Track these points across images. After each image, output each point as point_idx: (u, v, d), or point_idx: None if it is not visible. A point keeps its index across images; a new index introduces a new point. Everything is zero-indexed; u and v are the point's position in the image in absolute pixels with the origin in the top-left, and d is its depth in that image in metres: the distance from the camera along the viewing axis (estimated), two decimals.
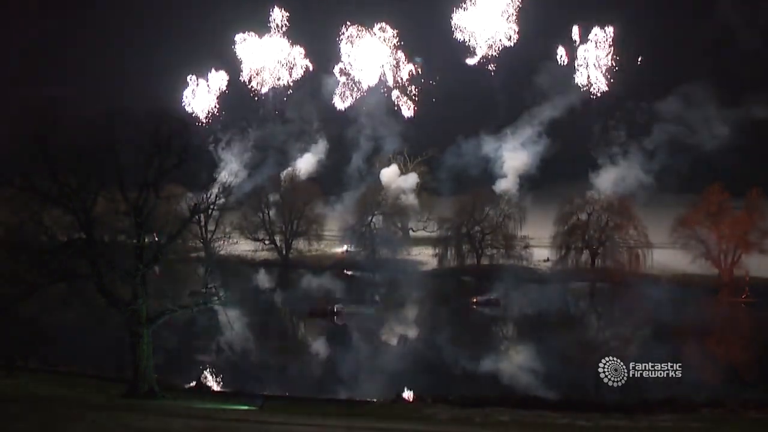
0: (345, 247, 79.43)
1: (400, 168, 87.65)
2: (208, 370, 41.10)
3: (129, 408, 26.86)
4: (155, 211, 30.31)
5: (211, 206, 32.26)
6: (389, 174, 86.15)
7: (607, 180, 73.27)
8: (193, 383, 37.55)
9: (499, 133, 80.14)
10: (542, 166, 78.07)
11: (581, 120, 78.76)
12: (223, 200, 34.02)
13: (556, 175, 79.50)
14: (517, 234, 73.02)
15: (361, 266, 74.03)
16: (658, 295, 54.48)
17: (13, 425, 21.36)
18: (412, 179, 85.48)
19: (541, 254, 72.66)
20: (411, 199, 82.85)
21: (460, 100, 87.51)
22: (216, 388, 37.65)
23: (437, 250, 74.32)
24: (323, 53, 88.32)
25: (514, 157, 79.17)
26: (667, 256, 66.76)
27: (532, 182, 79.19)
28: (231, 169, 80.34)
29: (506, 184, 78.66)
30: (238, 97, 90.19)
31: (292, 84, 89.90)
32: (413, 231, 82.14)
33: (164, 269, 32.33)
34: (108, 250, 29.20)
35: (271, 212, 77.98)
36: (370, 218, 77.09)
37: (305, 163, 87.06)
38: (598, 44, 79.60)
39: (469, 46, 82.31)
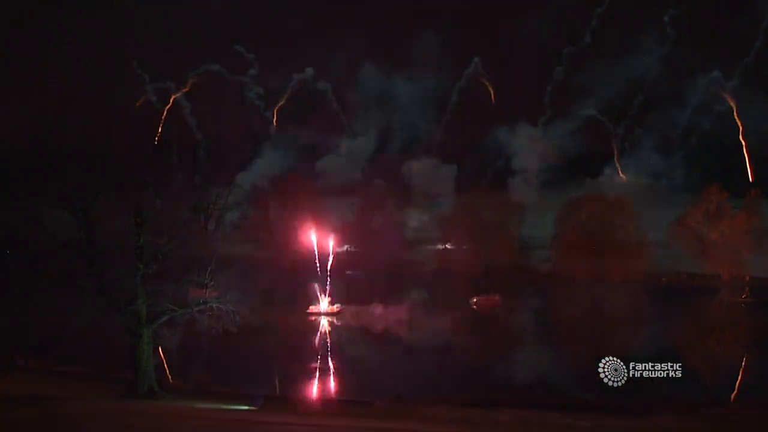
0: (346, 247, 79.19)
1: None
2: (207, 370, 41.00)
3: (129, 408, 26.85)
4: (155, 211, 30.24)
5: (211, 206, 32.20)
6: (417, 168, 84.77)
7: (609, 179, 73.28)
8: (193, 383, 37.51)
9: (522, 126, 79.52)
10: (553, 163, 78.15)
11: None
12: (224, 200, 33.80)
13: (559, 174, 79.36)
14: (519, 233, 72.89)
15: (362, 266, 73.84)
16: (658, 295, 54.44)
17: (13, 426, 21.36)
18: (443, 173, 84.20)
19: (542, 254, 72.61)
20: (448, 190, 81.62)
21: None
22: (216, 388, 37.57)
23: (437, 250, 74.17)
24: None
25: (531, 153, 78.89)
26: (667, 255, 66.67)
27: (540, 180, 79.16)
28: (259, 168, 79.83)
29: (518, 181, 78.50)
30: None
31: None
32: (413, 232, 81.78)
33: (163, 269, 32.21)
34: (108, 250, 29.18)
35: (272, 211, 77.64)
36: (371, 217, 76.68)
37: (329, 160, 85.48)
38: None
39: None
